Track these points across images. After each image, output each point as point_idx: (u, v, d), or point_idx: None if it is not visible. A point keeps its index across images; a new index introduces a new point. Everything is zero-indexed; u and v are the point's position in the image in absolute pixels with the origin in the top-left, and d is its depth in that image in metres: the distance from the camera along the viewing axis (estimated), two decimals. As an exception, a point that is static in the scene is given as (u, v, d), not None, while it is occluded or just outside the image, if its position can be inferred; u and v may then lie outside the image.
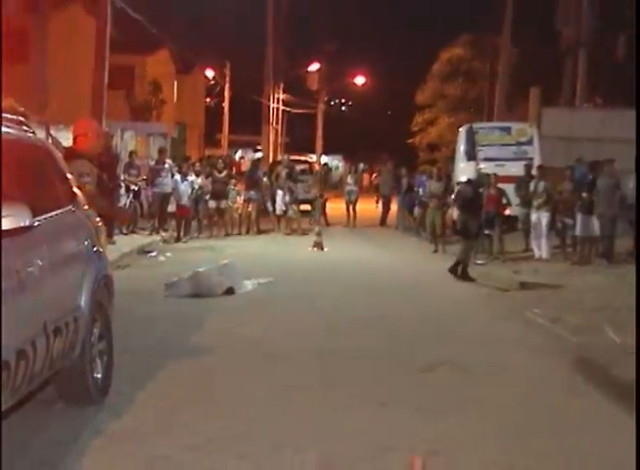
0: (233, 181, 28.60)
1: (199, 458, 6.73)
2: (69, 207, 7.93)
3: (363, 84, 64.64)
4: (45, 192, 7.56)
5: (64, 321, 7.10)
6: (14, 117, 7.26)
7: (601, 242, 20.53)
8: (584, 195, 20.25)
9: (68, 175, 8.32)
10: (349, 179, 35.17)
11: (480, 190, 20.08)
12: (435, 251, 24.25)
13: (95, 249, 8.26)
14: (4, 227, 5.80)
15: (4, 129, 6.71)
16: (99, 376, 8.07)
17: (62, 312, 7.12)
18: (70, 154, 9.88)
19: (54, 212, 7.34)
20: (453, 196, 20.63)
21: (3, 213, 5.80)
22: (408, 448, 6.11)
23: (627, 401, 9.04)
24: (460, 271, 18.36)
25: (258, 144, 53.56)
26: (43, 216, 6.89)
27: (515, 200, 22.87)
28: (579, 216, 20.25)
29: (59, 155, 8.53)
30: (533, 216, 21.74)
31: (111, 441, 7.09)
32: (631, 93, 38.72)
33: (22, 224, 6.02)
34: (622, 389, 9.65)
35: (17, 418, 6.92)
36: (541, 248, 21.43)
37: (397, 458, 6.37)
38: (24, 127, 7.55)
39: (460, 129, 31.28)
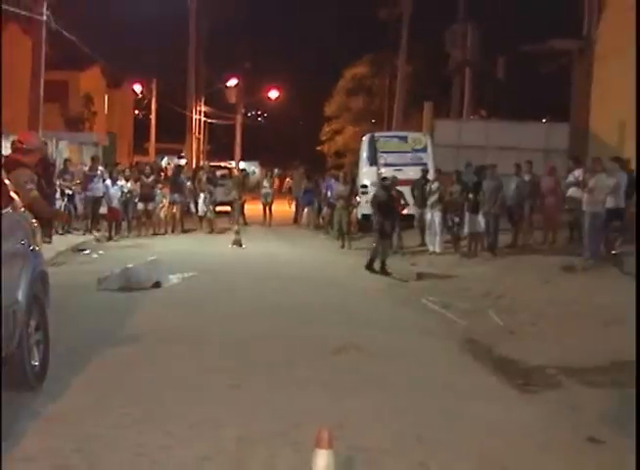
0: (159, 185, 28.45)
1: (129, 436, 6.67)
2: (7, 209, 7.78)
3: (277, 98, 64.86)
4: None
5: (3, 314, 6.97)
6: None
7: (486, 237, 20.82)
8: (471, 196, 20.52)
9: (6, 181, 8.16)
10: (266, 183, 35.16)
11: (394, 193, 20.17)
12: (342, 246, 24.36)
13: (31, 247, 8.13)
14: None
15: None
16: (36, 364, 7.93)
17: (1, 306, 6.99)
18: (12, 163, 9.75)
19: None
20: (370, 199, 20.57)
21: None
22: (317, 423, 6.12)
23: (509, 375, 9.23)
24: (380, 267, 18.43)
25: (183, 151, 53.30)
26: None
27: (411, 200, 23.04)
28: (467, 215, 20.55)
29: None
30: (428, 215, 21.98)
31: (48, 423, 6.99)
32: (511, 106, 39.49)
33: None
34: (502, 364, 9.86)
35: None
36: (434, 243, 21.66)
37: (307, 432, 6.35)
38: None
39: (363, 138, 31.35)
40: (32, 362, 7.82)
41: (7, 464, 5.94)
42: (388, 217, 19.06)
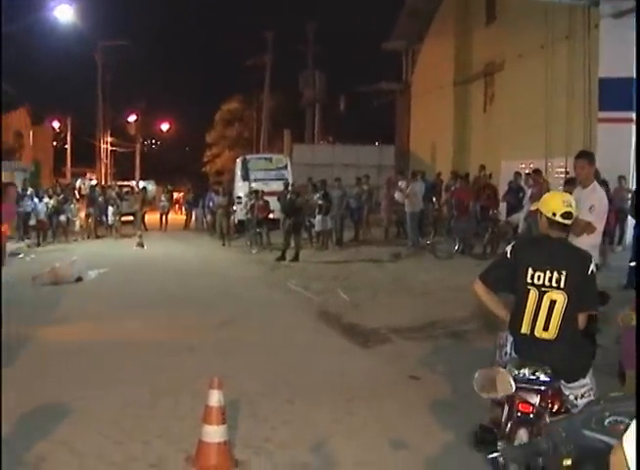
0: (74, 201, 28.09)
1: (67, 389, 6.82)
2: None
3: (168, 129, 64.44)
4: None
5: None
6: None
7: (334, 234, 21.24)
8: (321, 202, 20.71)
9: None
10: (163, 197, 34.86)
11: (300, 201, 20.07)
12: (223, 244, 24.36)
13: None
14: None
15: None
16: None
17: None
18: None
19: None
20: (286, 206, 20.17)
21: None
22: (208, 376, 6.36)
23: (353, 336, 9.66)
24: (295, 256, 18.33)
25: (92, 173, 52.48)
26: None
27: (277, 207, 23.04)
28: (319, 217, 20.74)
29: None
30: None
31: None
32: (350, 133, 40.28)
33: None
34: (348, 328, 10.25)
35: None
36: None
37: (201, 383, 6.63)
38: None
39: (237, 159, 31.36)
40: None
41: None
42: (298, 219, 19.07)
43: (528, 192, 15.77)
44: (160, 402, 6.66)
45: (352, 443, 5.72)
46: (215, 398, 4.97)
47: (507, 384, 4.25)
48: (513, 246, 4.82)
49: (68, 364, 7.96)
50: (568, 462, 3.33)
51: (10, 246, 22.04)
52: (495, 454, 4.07)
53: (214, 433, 4.95)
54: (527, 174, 16.79)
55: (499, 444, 4.16)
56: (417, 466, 5.32)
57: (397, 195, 20.68)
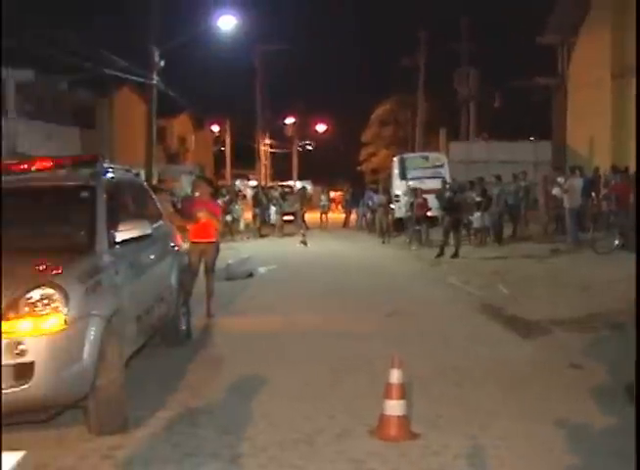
0: (239, 201, 29.38)
1: (258, 369, 7.58)
2: (160, 221, 8.68)
3: (324, 131, 65.81)
4: (149, 211, 8.24)
5: (164, 294, 7.92)
6: (124, 166, 8.05)
7: (492, 230, 21.34)
8: (479, 199, 20.87)
9: (155, 199, 9.05)
10: (322, 196, 35.83)
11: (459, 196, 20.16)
12: (383, 242, 24.87)
13: (176, 247, 9.04)
14: (138, 234, 6.54)
15: (127, 174, 7.60)
16: (184, 327, 8.87)
17: (162, 288, 7.93)
18: (155, 189, 10.75)
19: (155, 224, 7.94)
20: (444, 204, 20.25)
21: (133, 226, 6.51)
22: (383, 360, 6.84)
23: (515, 328, 9.96)
24: (455, 253, 18.58)
25: (252, 175, 54.20)
26: (153, 226, 7.48)
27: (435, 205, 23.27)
28: (478, 214, 20.93)
29: (149, 188, 9.33)
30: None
31: (196, 363, 8.01)
32: (506, 129, 39.86)
33: (147, 232, 6.82)
34: (509, 320, 10.53)
35: (143, 354, 7.66)
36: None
37: (377, 366, 7.23)
38: (131, 174, 8.35)
39: (394, 158, 31.78)
40: (181, 327, 8.79)
41: (173, 394, 6.90)
42: (457, 215, 19.22)
43: (693, 185, 15.42)
44: (340, 383, 7.27)
45: (518, 422, 6.08)
46: (396, 375, 5.54)
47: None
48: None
49: (252, 349, 8.74)
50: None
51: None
52: None
53: (395, 407, 5.52)
54: (693, 166, 16.35)
55: None
56: (582, 444, 5.63)
57: (556, 191, 20.53)
